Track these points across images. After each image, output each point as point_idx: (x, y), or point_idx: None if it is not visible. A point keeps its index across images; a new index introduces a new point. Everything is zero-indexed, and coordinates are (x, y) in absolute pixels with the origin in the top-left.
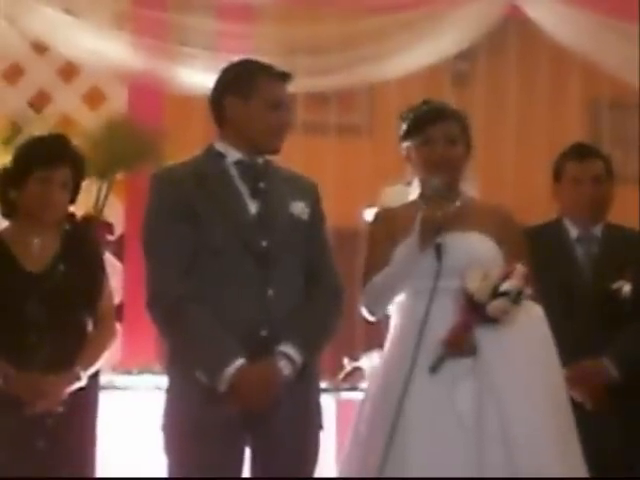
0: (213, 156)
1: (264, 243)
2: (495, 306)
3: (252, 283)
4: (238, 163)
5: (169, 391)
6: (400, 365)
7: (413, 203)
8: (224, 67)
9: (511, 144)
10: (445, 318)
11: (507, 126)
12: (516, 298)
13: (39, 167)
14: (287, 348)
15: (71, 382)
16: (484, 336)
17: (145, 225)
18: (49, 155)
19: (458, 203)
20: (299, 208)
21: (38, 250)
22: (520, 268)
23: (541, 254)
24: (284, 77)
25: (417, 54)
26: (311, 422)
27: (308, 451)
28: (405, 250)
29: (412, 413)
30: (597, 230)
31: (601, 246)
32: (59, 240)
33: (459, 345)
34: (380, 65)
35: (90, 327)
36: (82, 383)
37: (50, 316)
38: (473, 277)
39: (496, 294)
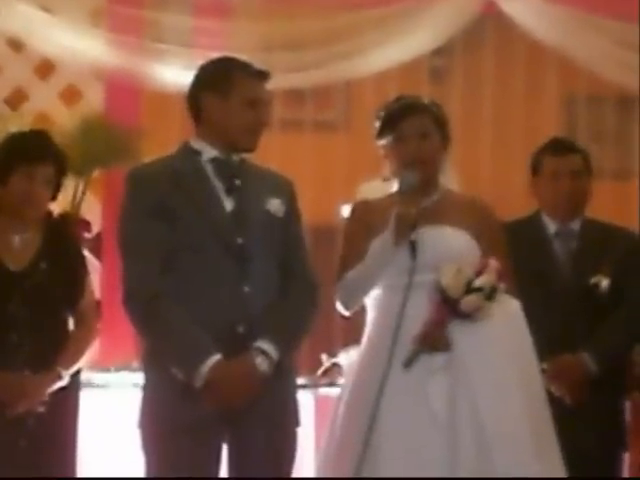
0: (188, 153)
1: (240, 240)
2: (468, 302)
3: (228, 280)
4: (214, 160)
5: (145, 388)
6: (376, 361)
7: (390, 197)
8: (202, 64)
9: (488, 139)
10: (420, 313)
11: (484, 121)
12: (490, 294)
13: (23, 163)
14: (263, 344)
15: (53, 382)
16: (458, 331)
17: (121, 223)
18: (33, 151)
19: (435, 197)
20: (275, 205)
21: (19, 248)
22: (494, 263)
23: (519, 249)
24: (262, 75)
25: (393, 50)
26: (288, 419)
27: (285, 448)
28: (379, 246)
29: (387, 410)
30: (575, 225)
31: (579, 241)
32: (40, 237)
33: (433, 340)
34: (357, 61)
35: (72, 325)
36: (64, 383)
37: (32, 315)
38: (447, 272)
39: (469, 290)
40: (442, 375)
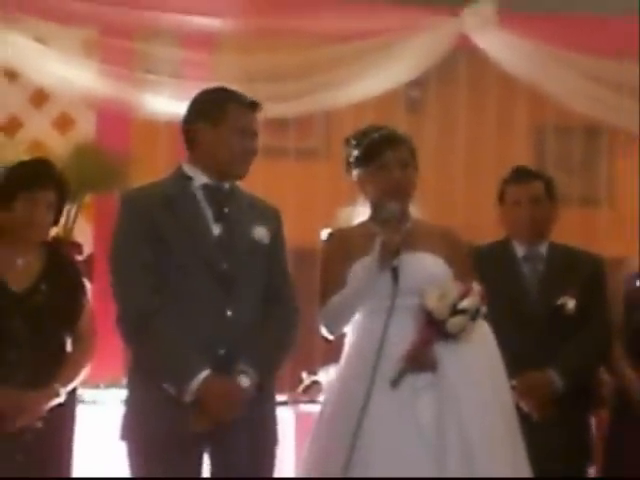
0: (181, 178)
1: (225, 265)
2: (454, 323)
3: (212, 303)
4: (204, 187)
5: (129, 401)
6: (358, 382)
7: (364, 225)
8: (197, 94)
9: (461, 167)
10: (403, 335)
11: (457, 150)
12: (474, 315)
13: (25, 189)
14: (245, 366)
15: (50, 398)
16: (444, 351)
17: (114, 245)
18: (35, 177)
19: (408, 224)
20: (260, 233)
21: (21, 269)
22: (477, 287)
23: (490, 272)
24: (254, 106)
25: (371, 82)
26: (268, 437)
27: (264, 466)
28: (363, 271)
29: (372, 429)
30: (542, 249)
31: (546, 264)
32: (41, 260)
33: (420, 360)
34: (336, 92)
35: (69, 345)
36: (61, 399)
37: (32, 333)
38: (431, 295)
39: (455, 311)
40: (429, 392)
